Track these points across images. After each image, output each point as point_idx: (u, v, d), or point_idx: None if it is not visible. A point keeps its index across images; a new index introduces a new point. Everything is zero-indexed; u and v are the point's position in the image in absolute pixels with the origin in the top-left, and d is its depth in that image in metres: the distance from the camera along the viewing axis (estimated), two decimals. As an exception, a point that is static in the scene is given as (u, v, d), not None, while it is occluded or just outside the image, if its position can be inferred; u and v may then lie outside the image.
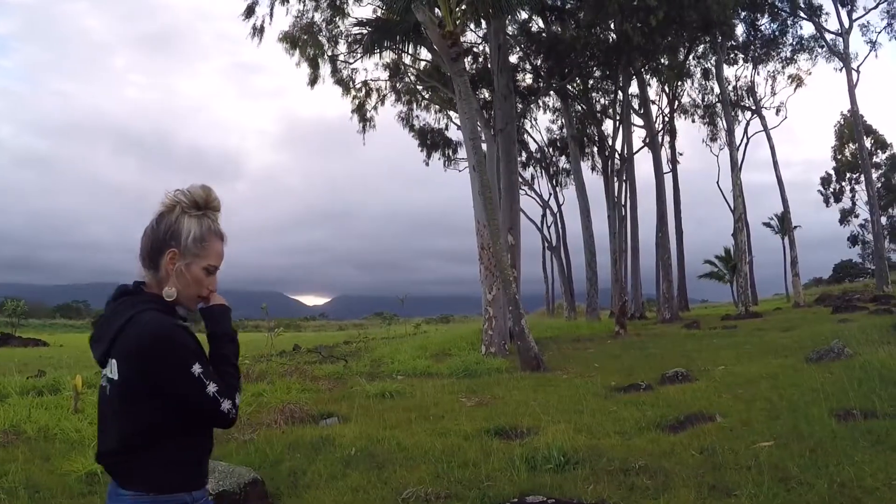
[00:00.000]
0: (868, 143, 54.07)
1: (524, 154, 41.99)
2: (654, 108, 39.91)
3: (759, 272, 42.73)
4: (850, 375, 7.93)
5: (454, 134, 35.79)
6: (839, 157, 63.19)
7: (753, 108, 42.96)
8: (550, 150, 43.98)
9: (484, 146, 20.69)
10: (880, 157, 62.01)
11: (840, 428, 6.05)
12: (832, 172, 64.21)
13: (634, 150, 37.65)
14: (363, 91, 29.76)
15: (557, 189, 45.90)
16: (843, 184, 63.67)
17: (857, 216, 63.81)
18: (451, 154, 37.03)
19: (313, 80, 26.66)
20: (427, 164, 37.01)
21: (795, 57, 40.49)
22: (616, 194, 35.19)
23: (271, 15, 25.24)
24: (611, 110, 37.15)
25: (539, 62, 31.09)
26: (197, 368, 2.10)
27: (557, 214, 46.31)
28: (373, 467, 6.24)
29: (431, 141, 36.29)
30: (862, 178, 46.57)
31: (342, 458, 6.60)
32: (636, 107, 37.92)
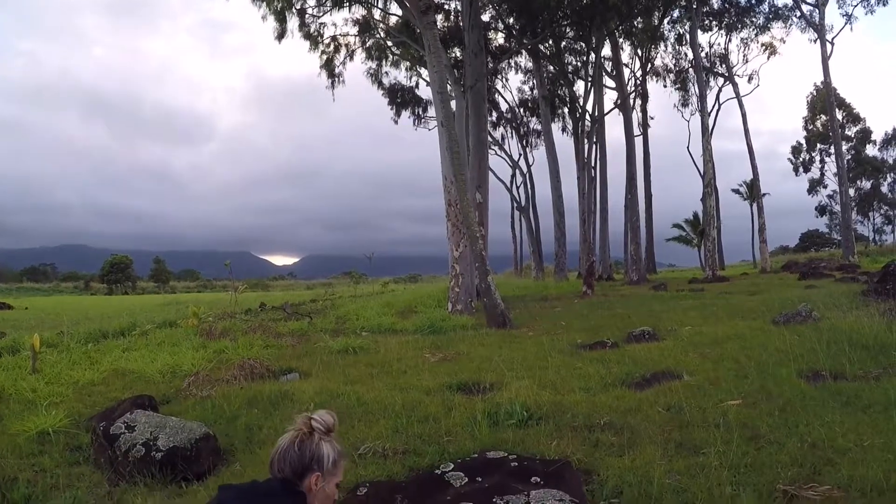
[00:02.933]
0: (840, 115, 54.54)
1: (494, 114, 41.67)
2: (626, 71, 39.72)
3: (727, 239, 43.23)
4: (818, 338, 7.86)
5: (424, 92, 35.29)
6: (810, 127, 63.72)
7: (726, 74, 42.99)
8: (521, 110, 43.68)
9: (453, 104, 20.29)
10: (851, 130, 62.65)
11: (809, 389, 5.95)
12: (803, 142, 64.79)
13: (605, 112, 37.51)
14: (332, 46, 28.94)
15: (527, 150, 45.75)
16: (814, 154, 64.39)
17: (825, 186, 64.68)
18: (420, 112, 36.58)
19: (281, 35, 25.77)
20: (396, 123, 36.46)
21: (769, 25, 40.35)
22: (586, 156, 34.88)
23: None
24: (583, 72, 36.63)
25: (511, 20, 30.50)
26: None
27: (527, 175, 46.14)
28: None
29: (401, 98, 35.71)
30: (832, 149, 46.91)
31: (299, 414, 6.40)
32: (608, 69, 37.60)
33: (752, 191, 45.73)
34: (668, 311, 14.24)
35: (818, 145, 63.15)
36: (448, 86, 17.87)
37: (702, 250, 43.26)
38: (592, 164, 36.99)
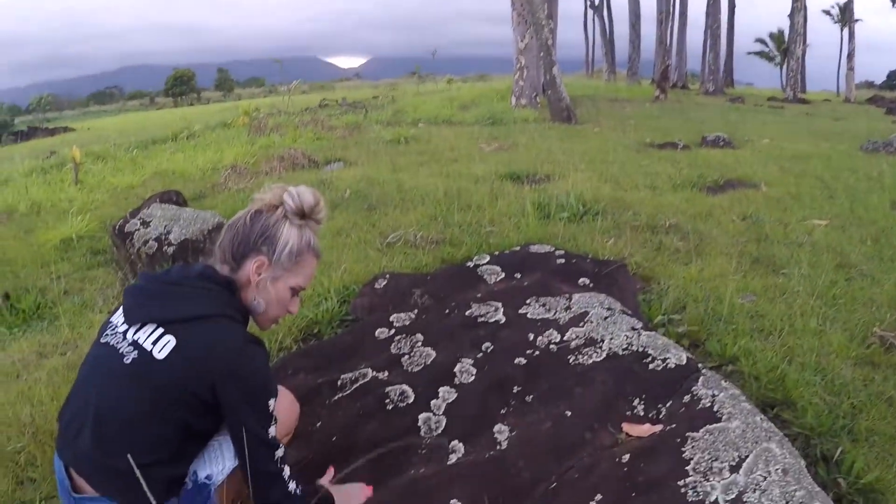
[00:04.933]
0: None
1: None
2: None
3: (809, 65, 39.46)
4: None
5: None
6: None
7: None
8: None
9: None
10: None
11: (905, 222, 5.02)
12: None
13: None
14: None
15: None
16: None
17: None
18: None
19: None
20: None
21: None
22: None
23: None
24: None
25: None
26: (272, 405, 1.80)
27: (603, -28, 42.71)
28: (363, 209, 5.46)
29: None
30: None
31: (331, 201, 5.83)
32: None
33: (845, 14, 41.51)
34: (745, 122, 13.13)
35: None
36: None
37: (784, 69, 40.05)
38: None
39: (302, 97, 27.75)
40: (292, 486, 1.82)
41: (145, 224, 5.23)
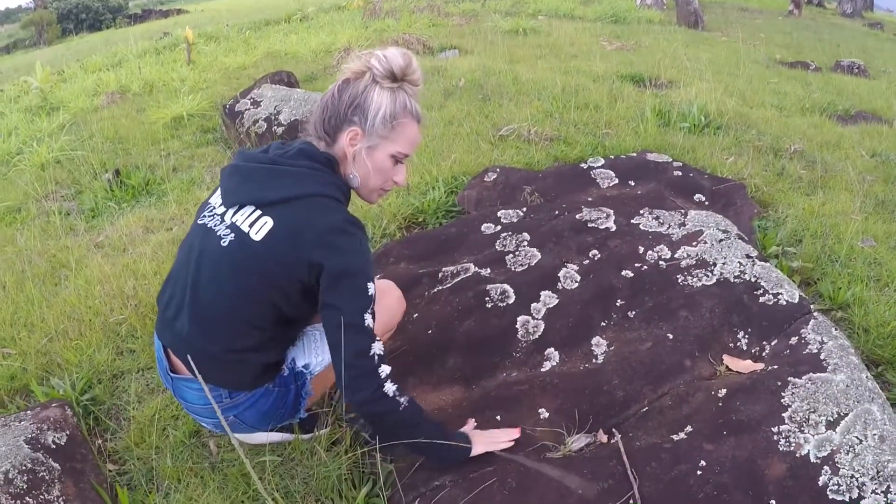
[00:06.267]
0: None
1: None
2: None
3: None
4: None
5: None
6: None
7: None
8: None
9: None
10: None
11: None
12: None
13: None
14: None
15: None
16: None
17: None
18: None
19: None
20: None
21: None
22: None
23: None
24: None
25: None
26: (371, 288, 1.69)
27: None
28: (477, 99, 5.36)
29: None
30: None
31: (445, 89, 5.74)
32: None
33: None
34: (882, 51, 12.05)
35: None
36: None
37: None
38: None
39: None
40: (389, 387, 1.68)
41: (255, 104, 5.31)
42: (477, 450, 1.84)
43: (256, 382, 1.84)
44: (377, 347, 1.67)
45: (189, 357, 1.67)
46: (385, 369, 1.68)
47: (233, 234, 1.72)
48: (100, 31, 26.10)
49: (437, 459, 1.84)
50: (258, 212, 1.71)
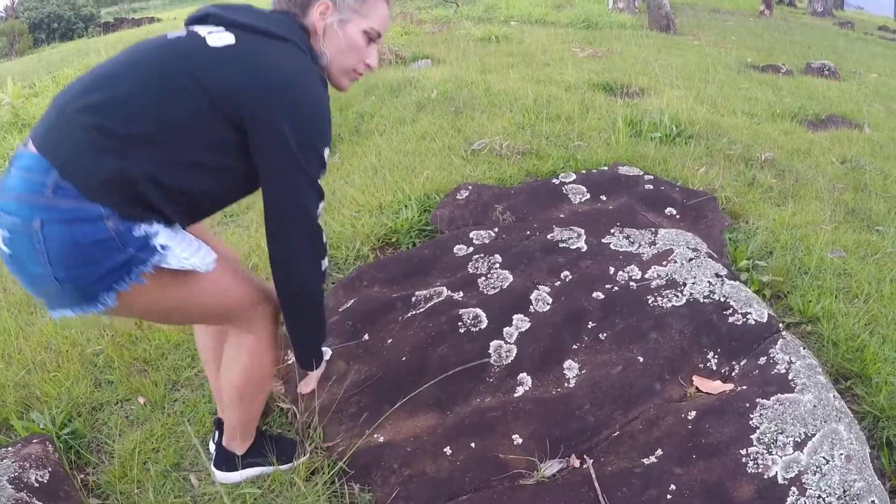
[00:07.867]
0: None
1: None
2: None
3: None
4: None
5: None
6: None
7: None
8: None
9: None
10: None
11: None
12: None
13: None
14: None
15: None
16: None
17: None
18: None
19: None
20: None
21: None
22: None
23: None
24: None
25: None
26: (326, 154, 1.59)
27: None
28: (449, 112, 5.38)
29: None
30: None
31: (417, 102, 5.75)
32: None
33: None
34: (853, 51, 12.18)
35: None
36: None
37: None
38: None
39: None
40: (326, 263, 1.67)
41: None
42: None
43: (103, 192, 1.41)
44: (322, 209, 1.63)
45: (51, 113, 1.45)
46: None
47: (184, 33, 1.56)
48: (72, 41, 25.80)
49: (310, 352, 1.85)
50: (222, 28, 1.56)
